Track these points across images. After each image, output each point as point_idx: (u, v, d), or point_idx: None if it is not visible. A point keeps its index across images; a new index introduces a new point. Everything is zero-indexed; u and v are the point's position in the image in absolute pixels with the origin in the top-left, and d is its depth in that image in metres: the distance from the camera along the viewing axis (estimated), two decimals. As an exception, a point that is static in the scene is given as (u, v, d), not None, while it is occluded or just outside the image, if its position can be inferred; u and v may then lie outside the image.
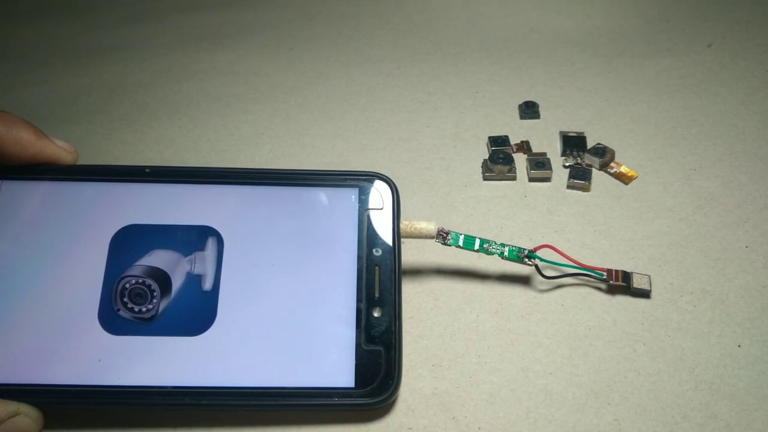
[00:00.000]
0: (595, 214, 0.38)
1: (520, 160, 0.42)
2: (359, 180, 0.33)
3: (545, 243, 0.34)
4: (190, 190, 0.32)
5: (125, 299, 0.30)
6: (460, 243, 0.33)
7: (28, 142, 0.31)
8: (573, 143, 0.42)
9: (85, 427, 0.30)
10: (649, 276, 0.34)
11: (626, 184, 0.40)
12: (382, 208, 0.32)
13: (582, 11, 0.54)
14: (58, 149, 0.32)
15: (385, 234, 0.32)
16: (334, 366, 0.29)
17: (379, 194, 0.33)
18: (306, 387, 0.29)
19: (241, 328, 0.30)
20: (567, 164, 0.41)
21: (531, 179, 0.41)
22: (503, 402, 0.31)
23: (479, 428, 0.30)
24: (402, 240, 0.32)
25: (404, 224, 0.33)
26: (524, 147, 0.42)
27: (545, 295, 0.35)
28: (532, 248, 0.34)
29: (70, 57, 0.53)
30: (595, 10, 0.54)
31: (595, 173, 0.41)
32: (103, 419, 0.30)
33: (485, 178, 0.41)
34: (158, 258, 0.31)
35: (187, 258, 0.31)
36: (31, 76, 0.51)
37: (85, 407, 0.29)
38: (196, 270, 0.31)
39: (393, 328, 0.30)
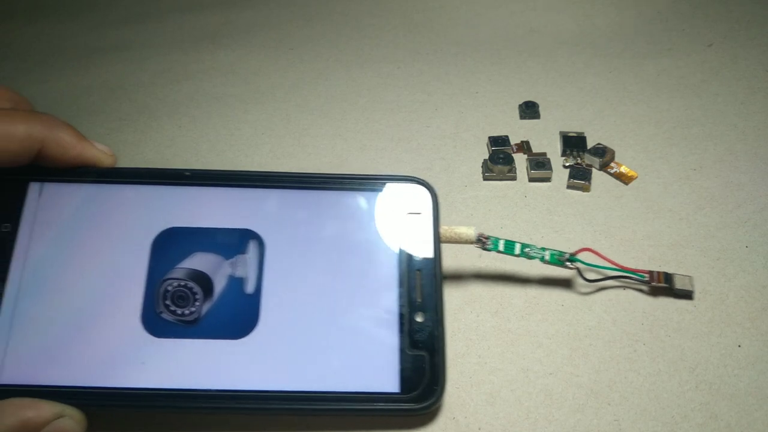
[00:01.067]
0: (595, 214, 0.38)
1: (520, 160, 0.42)
2: (398, 184, 0.33)
3: (585, 246, 0.33)
4: (231, 193, 0.32)
5: (167, 302, 0.30)
6: (500, 248, 0.33)
7: (69, 144, 0.31)
8: (573, 143, 0.42)
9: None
10: (692, 277, 0.34)
11: (626, 184, 0.40)
12: (421, 213, 0.32)
13: (582, 11, 0.54)
14: (98, 152, 0.32)
15: (425, 238, 0.32)
16: (379, 371, 0.29)
17: (418, 198, 0.32)
18: (350, 392, 0.28)
19: (284, 332, 0.29)
20: (567, 164, 0.41)
21: (531, 179, 0.41)
22: (503, 402, 0.31)
23: (479, 428, 0.30)
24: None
25: (444, 229, 0.32)
26: (524, 147, 0.42)
27: (545, 295, 0.35)
28: (573, 252, 0.33)
29: (70, 57, 0.53)
30: (595, 10, 0.54)
31: (595, 173, 0.41)
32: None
33: (485, 178, 0.41)
34: (200, 261, 0.30)
35: (228, 261, 0.31)
36: (31, 76, 0.51)
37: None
38: (238, 273, 0.30)
39: (436, 333, 0.30)
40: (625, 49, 0.50)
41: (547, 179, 0.41)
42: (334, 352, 0.29)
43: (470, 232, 0.32)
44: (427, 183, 0.33)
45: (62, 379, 0.28)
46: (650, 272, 0.34)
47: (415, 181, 0.33)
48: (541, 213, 0.39)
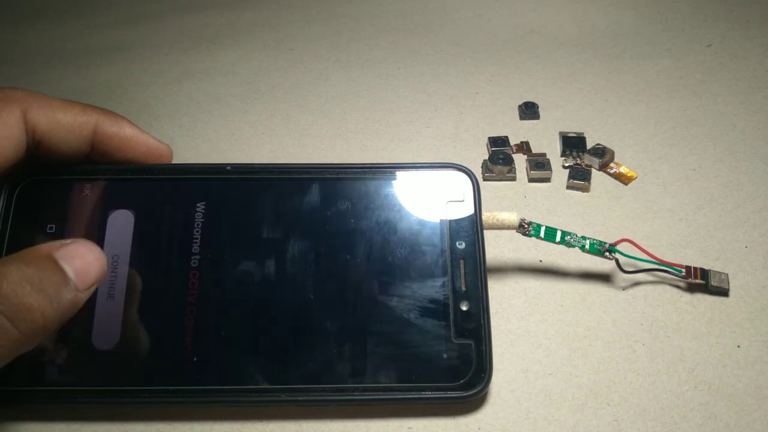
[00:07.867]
0: (594, 215, 0.38)
1: (520, 160, 0.42)
2: (438, 172, 0.33)
3: (624, 237, 0.33)
4: (271, 186, 0.32)
5: None
6: (542, 234, 0.33)
7: (132, 137, 0.31)
8: (572, 144, 0.42)
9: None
10: (727, 274, 0.34)
11: (626, 184, 0.40)
12: (462, 200, 0.32)
13: (582, 11, 0.54)
14: (160, 145, 0.32)
15: (468, 226, 0.32)
16: (425, 360, 0.29)
17: (459, 186, 0.32)
18: (399, 381, 0.29)
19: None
20: (567, 165, 0.41)
21: (531, 180, 0.41)
22: (503, 402, 0.31)
23: (479, 428, 0.30)
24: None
25: (486, 216, 0.32)
26: (524, 147, 0.42)
27: (544, 295, 0.35)
28: (612, 242, 0.33)
29: (71, 58, 0.53)
30: (595, 10, 0.54)
31: (595, 173, 0.41)
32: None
33: (485, 179, 0.41)
34: None
35: None
36: (33, 78, 0.51)
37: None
38: None
39: (482, 322, 0.30)
40: (625, 50, 0.50)
41: (547, 180, 0.41)
42: (380, 342, 0.29)
43: (513, 217, 0.32)
44: (468, 169, 0.33)
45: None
46: (687, 267, 0.34)
47: (455, 167, 0.33)
48: (541, 213, 0.39)
